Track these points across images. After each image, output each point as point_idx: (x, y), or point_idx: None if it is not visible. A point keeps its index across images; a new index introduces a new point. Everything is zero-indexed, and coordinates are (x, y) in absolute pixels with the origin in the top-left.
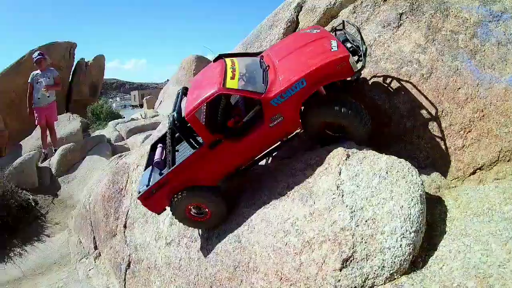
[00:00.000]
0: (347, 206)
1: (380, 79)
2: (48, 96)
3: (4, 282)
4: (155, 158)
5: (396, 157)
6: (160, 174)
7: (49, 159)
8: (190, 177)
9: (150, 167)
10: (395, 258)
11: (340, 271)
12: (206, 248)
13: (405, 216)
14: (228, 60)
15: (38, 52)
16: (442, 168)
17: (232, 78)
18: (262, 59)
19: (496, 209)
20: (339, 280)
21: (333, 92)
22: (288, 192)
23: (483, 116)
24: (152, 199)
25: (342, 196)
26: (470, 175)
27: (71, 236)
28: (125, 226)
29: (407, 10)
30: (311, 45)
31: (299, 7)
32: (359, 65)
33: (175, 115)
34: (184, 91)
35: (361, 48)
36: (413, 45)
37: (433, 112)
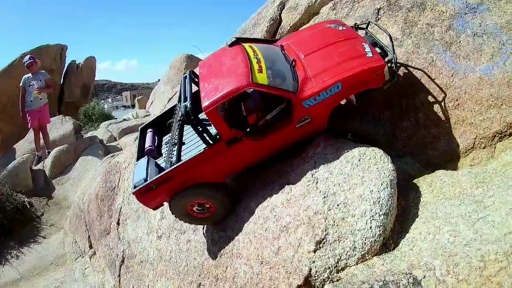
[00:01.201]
0: (320, 192)
1: None
2: (41, 99)
3: (2, 284)
4: (146, 145)
5: (370, 146)
6: (157, 165)
7: (43, 162)
8: (198, 174)
9: (146, 157)
10: (365, 240)
11: (314, 252)
12: (194, 239)
13: (375, 199)
14: (247, 47)
15: (29, 56)
16: (419, 156)
17: (260, 71)
18: (284, 50)
19: (468, 192)
20: (313, 262)
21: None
22: (269, 182)
23: (458, 105)
24: (150, 194)
25: (317, 182)
26: (446, 163)
27: (67, 237)
28: (118, 223)
29: (385, 5)
30: (343, 45)
31: (281, 5)
32: (388, 72)
33: (189, 105)
34: (192, 76)
35: (390, 56)
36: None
37: (409, 102)
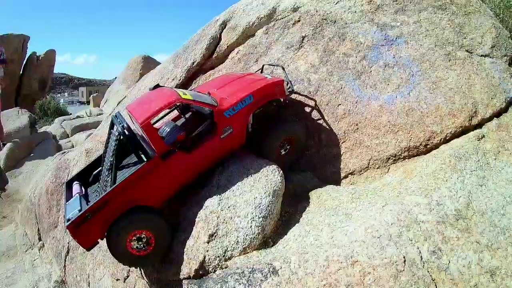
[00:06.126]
0: (217, 196)
1: None
2: None
3: None
4: (75, 193)
5: (268, 161)
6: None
7: None
8: (135, 195)
9: (77, 196)
10: (246, 236)
11: (208, 243)
12: None
13: (256, 204)
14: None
15: None
16: (319, 171)
17: (185, 94)
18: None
19: (343, 206)
20: (207, 250)
21: (279, 112)
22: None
23: (357, 129)
24: (85, 227)
25: (217, 188)
26: (342, 179)
27: (18, 229)
28: (64, 216)
29: (310, 33)
30: (247, 77)
31: (224, 25)
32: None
33: (125, 125)
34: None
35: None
36: (308, 65)
37: (314, 123)
